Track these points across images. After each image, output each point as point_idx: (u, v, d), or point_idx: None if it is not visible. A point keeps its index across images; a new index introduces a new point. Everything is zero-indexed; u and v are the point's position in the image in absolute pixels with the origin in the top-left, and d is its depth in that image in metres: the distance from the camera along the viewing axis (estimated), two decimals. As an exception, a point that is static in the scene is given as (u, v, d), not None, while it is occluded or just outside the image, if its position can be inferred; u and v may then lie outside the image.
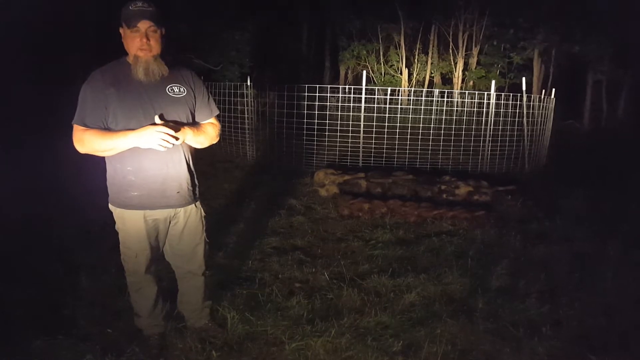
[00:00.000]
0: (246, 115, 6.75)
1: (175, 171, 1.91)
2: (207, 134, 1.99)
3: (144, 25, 1.76)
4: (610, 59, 11.86)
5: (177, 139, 1.79)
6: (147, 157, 1.82)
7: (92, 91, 1.79)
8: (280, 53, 13.08)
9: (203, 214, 2.10)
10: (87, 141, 1.78)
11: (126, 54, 1.87)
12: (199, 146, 1.98)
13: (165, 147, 1.76)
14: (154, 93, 1.83)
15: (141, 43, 1.77)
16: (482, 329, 2.33)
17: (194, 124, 1.95)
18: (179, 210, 1.98)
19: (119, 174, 1.87)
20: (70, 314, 2.35)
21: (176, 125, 1.83)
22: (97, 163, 1.95)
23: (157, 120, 1.79)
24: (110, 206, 1.96)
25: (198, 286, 2.20)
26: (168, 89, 1.87)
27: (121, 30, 1.83)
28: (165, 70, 1.84)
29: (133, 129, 1.78)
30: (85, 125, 1.78)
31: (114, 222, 1.98)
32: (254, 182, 5.38)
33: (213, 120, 2.05)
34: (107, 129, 1.80)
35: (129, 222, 1.92)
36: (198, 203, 2.07)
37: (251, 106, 6.69)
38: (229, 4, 10.43)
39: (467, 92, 7.22)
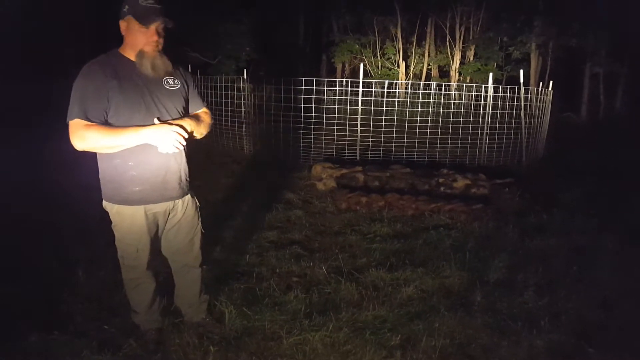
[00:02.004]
0: (243, 109, 6.70)
1: (176, 163, 1.91)
2: (205, 123, 2.02)
3: (158, 23, 1.78)
4: (607, 51, 11.85)
5: (186, 139, 1.80)
6: (151, 152, 1.80)
7: (93, 83, 1.71)
8: (277, 46, 12.99)
9: (198, 204, 2.11)
10: (91, 137, 1.69)
11: (117, 46, 1.83)
12: (199, 136, 1.98)
13: (178, 149, 1.78)
14: (153, 86, 1.83)
15: (151, 40, 1.79)
16: (481, 322, 2.33)
17: (193, 116, 1.97)
18: (177, 202, 1.98)
19: (118, 170, 1.81)
20: (67, 310, 2.33)
21: (182, 123, 1.84)
22: (92, 158, 1.92)
23: (155, 121, 1.79)
24: (106, 204, 1.91)
25: (195, 279, 2.19)
26: (164, 82, 1.87)
27: (124, 23, 1.78)
28: (169, 65, 1.87)
29: (136, 124, 1.75)
30: (88, 119, 1.70)
31: (110, 219, 1.94)
32: (251, 177, 5.35)
33: (205, 109, 2.08)
34: (106, 123, 1.75)
35: (129, 218, 1.88)
36: (192, 193, 2.07)
37: (248, 100, 6.64)
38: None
39: (464, 84, 7.20)
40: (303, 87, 6.00)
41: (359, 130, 6.01)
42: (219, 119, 6.83)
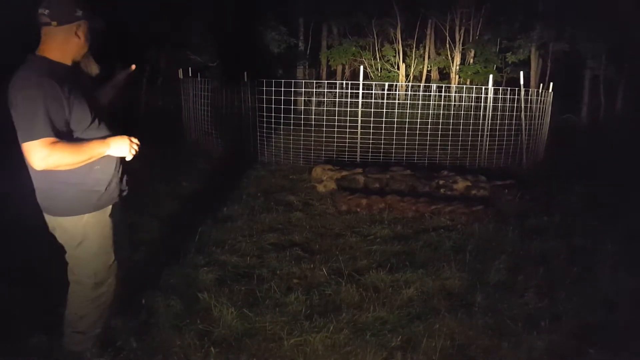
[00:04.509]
0: (243, 112, 6.72)
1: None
2: None
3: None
4: (606, 55, 11.88)
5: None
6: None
7: (51, 96, 1.56)
8: (278, 49, 13.04)
9: None
10: (59, 156, 1.54)
11: (33, 52, 1.68)
12: None
13: (132, 155, 1.75)
14: (88, 89, 1.77)
15: (91, 40, 1.73)
16: (481, 323, 2.33)
17: None
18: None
19: (85, 178, 1.72)
20: (68, 312, 2.33)
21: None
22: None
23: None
24: (67, 220, 1.75)
25: (119, 277, 2.03)
26: (88, 82, 1.82)
27: (74, 27, 1.65)
28: None
29: (94, 133, 1.69)
30: (56, 136, 1.55)
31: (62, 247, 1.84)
32: (252, 179, 5.36)
33: None
34: (69, 136, 1.63)
35: (102, 223, 1.80)
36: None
37: (248, 102, 6.66)
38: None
39: (464, 87, 7.22)
40: (303, 90, 6.02)
41: (359, 133, 6.02)
42: (219, 121, 6.85)
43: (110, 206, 1.84)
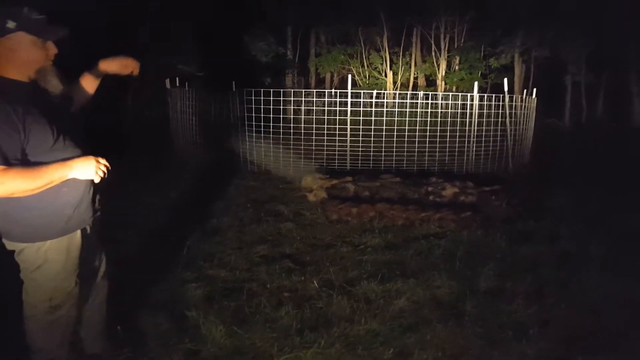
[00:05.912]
0: (231, 121, 6.71)
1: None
2: None
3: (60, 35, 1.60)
4: (585, 61, 12.21)
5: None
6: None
7: (1, 118, 1.44)
8: (266, 58, 13.07)
9: None
10: (12, 183, 1.44)
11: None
12: None
13: (100, 176, 1.62)
14: (50, 105, 1.61)
15: (53, 53, 1.60)
16: (471, 332, 2.34)
17: None
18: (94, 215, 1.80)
19: (50, 203, 1.60)
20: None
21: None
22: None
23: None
24: (28, 246, 1.62)
25: (104, 299, 2.00)
26: (54, 97, 1.67)
27: (4, 42, 1.50)
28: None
29: (58, 155, 1.57)
30: (7, 163, 1.44)
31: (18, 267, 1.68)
32: (241, 189, 5.33)
33: None
34: (25, 161, 1.51)
35: (65, 249, 1.67)
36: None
37: (237, 112, 6.64)
38: (210, 7, 10.38)
39: (450, 93, 7.31)
40: (292, 99, 6.03)
41: (348, 140, 6.05)
42: (208, 131, 6.82)
43: (79, 231, 1.72)
